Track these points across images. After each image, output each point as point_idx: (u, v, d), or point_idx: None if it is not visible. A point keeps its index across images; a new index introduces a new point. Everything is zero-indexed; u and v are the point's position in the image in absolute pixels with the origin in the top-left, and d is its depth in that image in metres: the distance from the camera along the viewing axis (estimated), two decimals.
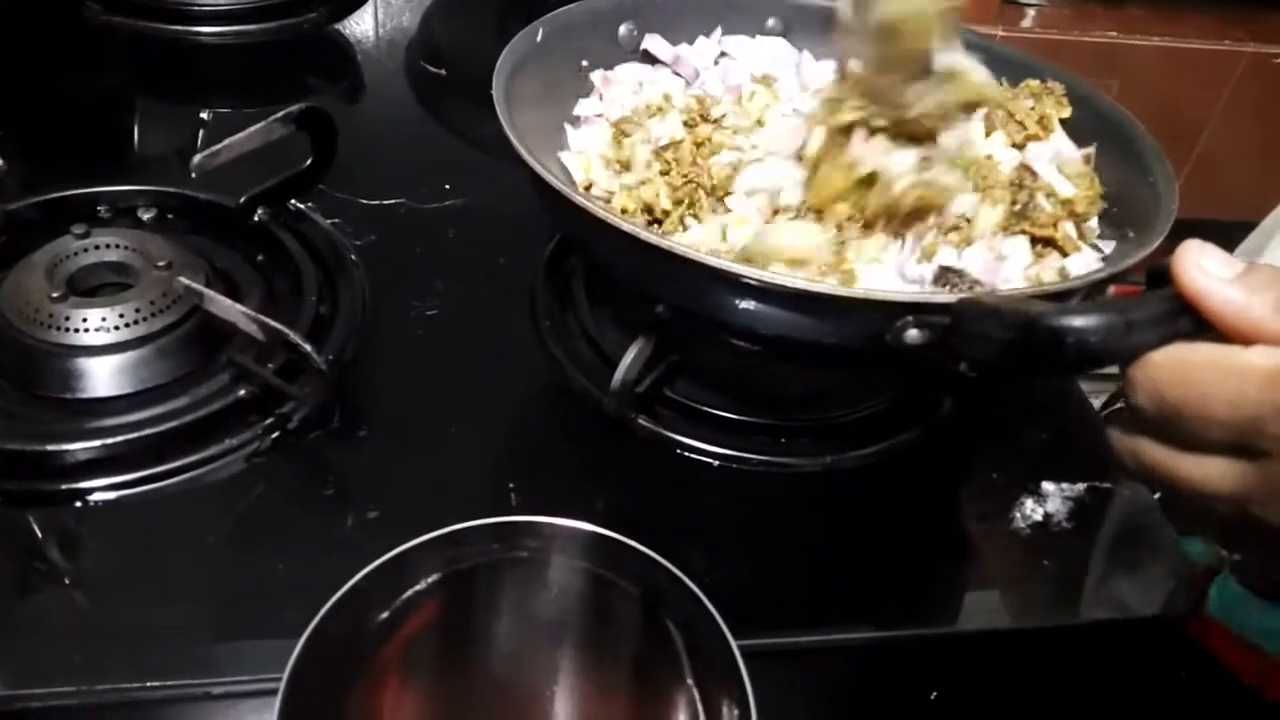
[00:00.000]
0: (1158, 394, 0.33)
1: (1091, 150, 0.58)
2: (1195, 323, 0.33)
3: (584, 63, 0.64)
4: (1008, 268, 0.50)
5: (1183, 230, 0.42)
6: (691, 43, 0.67)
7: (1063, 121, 0.59)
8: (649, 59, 0.67)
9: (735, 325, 0.48)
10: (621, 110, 0.62)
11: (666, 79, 0.66)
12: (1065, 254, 0.53)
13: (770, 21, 0.67)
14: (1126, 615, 0.53)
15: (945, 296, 0.42)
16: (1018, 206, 0.52)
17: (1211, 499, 0.33)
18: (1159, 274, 0.34)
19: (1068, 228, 0.53)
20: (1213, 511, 0.33)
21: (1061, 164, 0.56)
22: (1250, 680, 0.51)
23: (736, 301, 0.46)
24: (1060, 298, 0.44)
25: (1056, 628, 0.52)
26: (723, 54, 0.67)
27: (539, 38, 0.59)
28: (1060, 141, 0.58)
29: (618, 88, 0.64)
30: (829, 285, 0.47)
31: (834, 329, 0.46)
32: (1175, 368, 0.32)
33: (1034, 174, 0.54)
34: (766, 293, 0.45)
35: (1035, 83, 0.60)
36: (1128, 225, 0.54)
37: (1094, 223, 0.55)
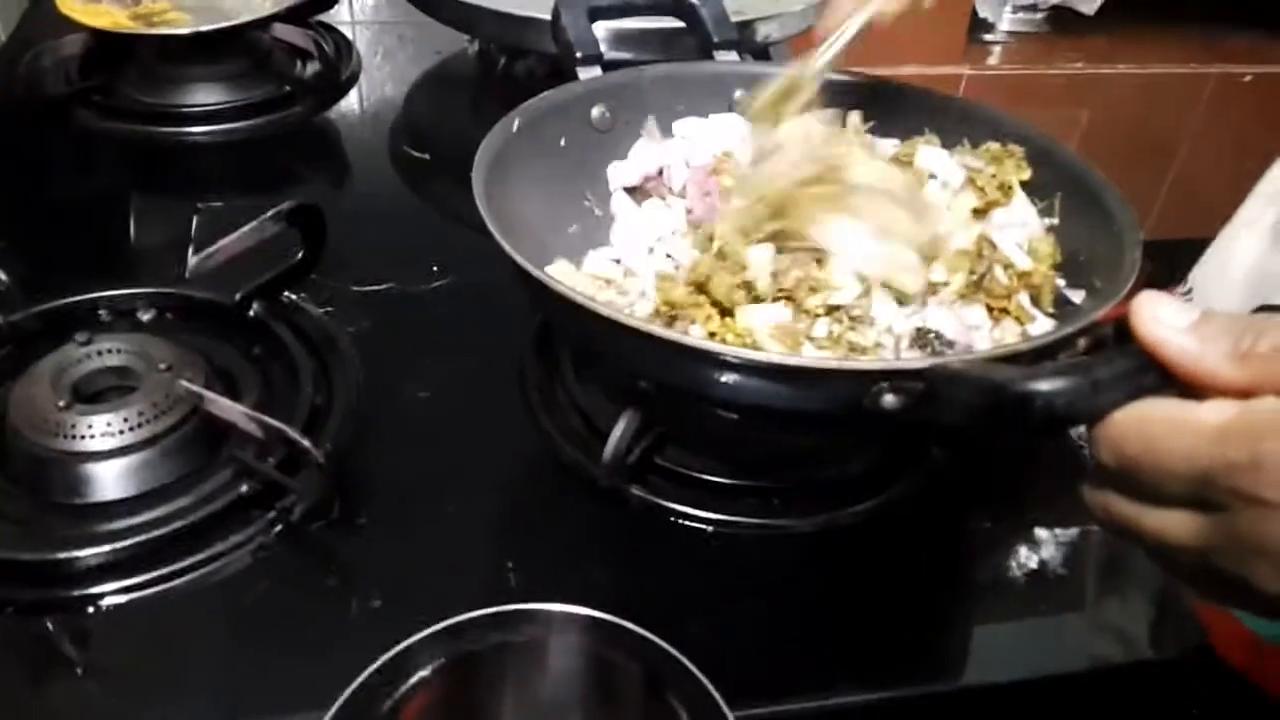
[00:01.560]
0: (1118, 450, 0.34)
1: (1055, 220, 0.59)
2: (1159, 377, 0.34)
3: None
4: (976, 335, 0.52)
5: (1165, 250, 0.43)
6: (660, 121, 0.68)
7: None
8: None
9: (717, 397, 0.49)
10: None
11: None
12: (1021, 324, 0.54)
13: (738, 93, 0.69)
14: (1127, 659, 0.53)
15: (918, 362, 0.44)
16: (975, 276, 0.54)
17: (1174, 550, 0.33)
18: (1125, 328, 0.36)
19: (1022, 299, 0.54)
20: (1178, 563, 0.34)
21: (1028, 236, 0.57)
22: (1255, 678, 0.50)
23: (716, 375, 0.47)
24: (1033, 356, 0.45)
25: (1059, 676, 0.52)
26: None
27: (515, 128, 0.61)
28: (1022, 207, 0.59)
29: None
30: (804, 358, 0.48)
31: (812, 397, 0.47)
32: (1133, 425, 0.34)
33: (993, 246, 0.55)
34: (744, 367, 0.46)
35: (996, 146, 0.61)
36: (1094, 275, 0.55)
37: (1058, 281, 0.57)
